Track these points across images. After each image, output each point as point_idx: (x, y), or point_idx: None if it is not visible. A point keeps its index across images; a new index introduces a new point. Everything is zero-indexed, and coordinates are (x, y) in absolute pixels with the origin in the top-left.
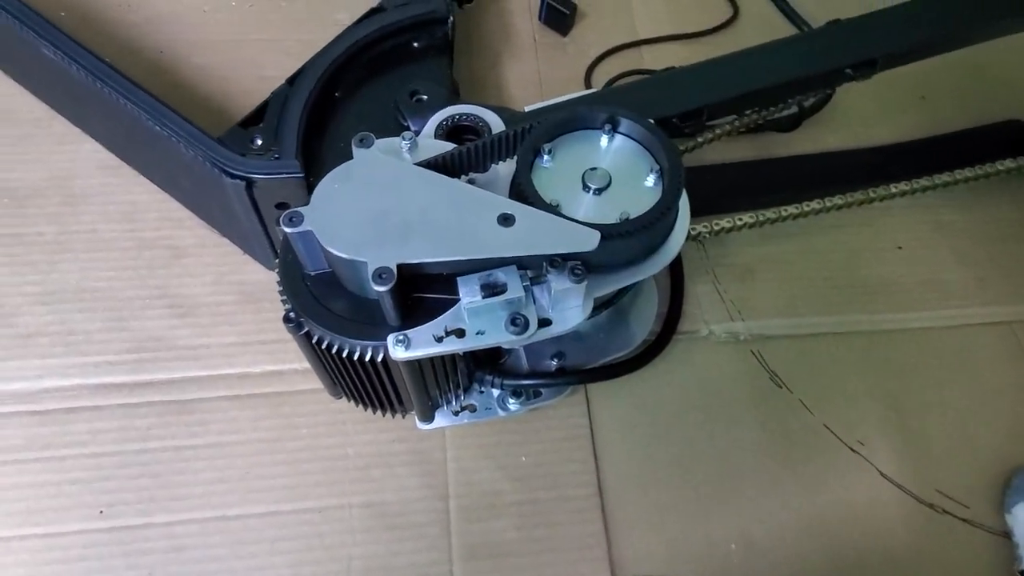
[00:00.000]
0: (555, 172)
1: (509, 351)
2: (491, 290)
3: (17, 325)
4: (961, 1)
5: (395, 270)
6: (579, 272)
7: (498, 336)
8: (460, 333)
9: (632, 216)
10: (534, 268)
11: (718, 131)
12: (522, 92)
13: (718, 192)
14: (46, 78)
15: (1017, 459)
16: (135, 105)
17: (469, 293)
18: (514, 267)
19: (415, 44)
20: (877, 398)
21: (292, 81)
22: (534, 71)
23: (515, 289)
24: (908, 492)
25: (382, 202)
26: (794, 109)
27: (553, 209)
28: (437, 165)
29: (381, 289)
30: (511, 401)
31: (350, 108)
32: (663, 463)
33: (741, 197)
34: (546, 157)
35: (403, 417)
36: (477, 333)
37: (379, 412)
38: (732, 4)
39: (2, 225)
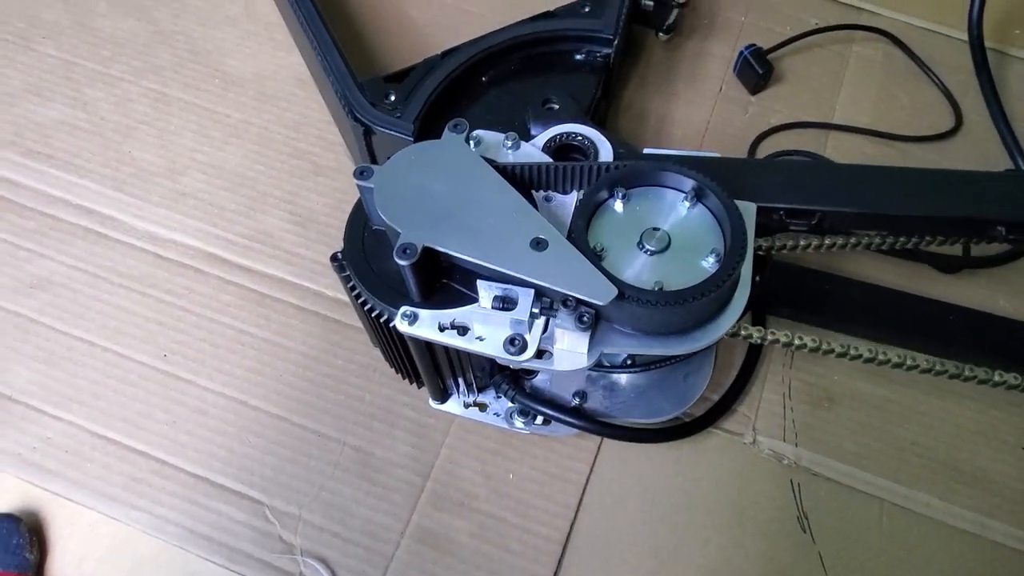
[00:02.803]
0: (621, 217)
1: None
2: (503, 303)
3: (179, 182)
4: None
5: (419, 249)
6: (586, 320)
7: (495, 349)
8: (463, 331)
9: (666, 288)
10: (550, 299)
11: (827, 241)
12: (682, 133)
13: (835, 308)
14: None
15: None
16: (312, 35)
17: (483, 299)
18: (532, 291)
19: (576, 56)
20: None
21: (445, 55)
22: (704, 119)
23: (522, 312)
24: None
25: (440, 185)
26: (957, 250)
27: (590, 252)
28: (514, 174)
29: (401, 263)
30: (518, 419)
31: (489, 94)
32: (641, 547)
33: (860, 323)
34: (619, 200)
35: (418, 388)
36: (477, 338)
37: (399, 375)
38: (956, 114)
39: (205, 100)
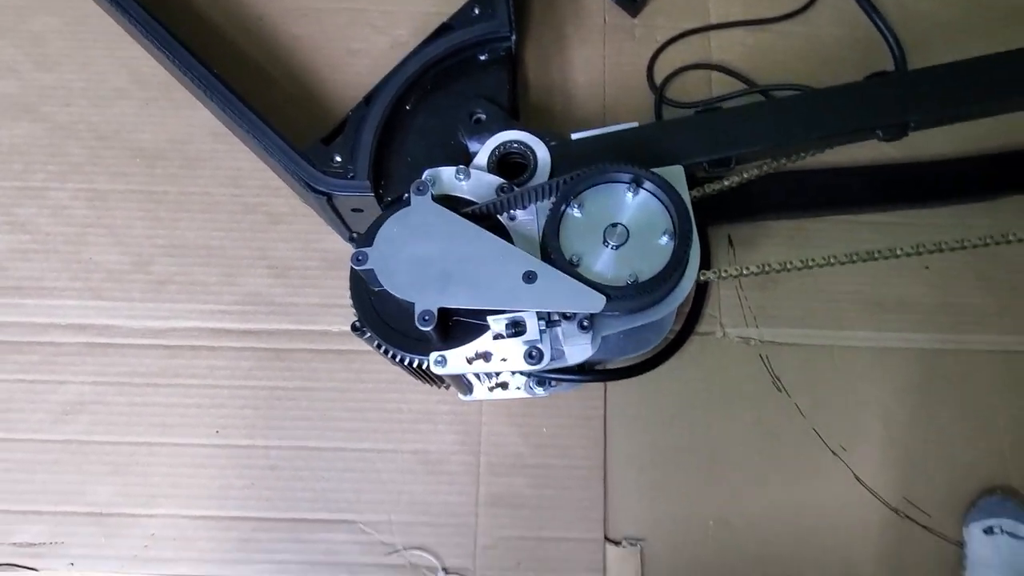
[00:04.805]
0: (582, 222)
1: None
2: (514, 328)
3: (152, 272)
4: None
5: (436, 313)
6: (586, 325)
7: (518, 364)
8: (487, 357)
9: (640, 276)
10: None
11: (745, 176)
12: (586, 77)
13: (759, 206)
14: (162, 59)
15: (990, 481)
16: (237, 117)
17: (496, 328)
18: (535, 312)
19: (480, 57)
20: (869, 410)
21: (368, 100)
22: (600, 55)
23: (532, 332)
24: (877, 496)
25: (429, 249)
26: None
27: (571, 267)
28: (481, 213)
29: (424, 328)
30: (537, 388)
31: (416, 121)
32: (662, 448)
33: (783, 209)
34: (576, 208)
35: (447, 390)
36: (501, 359)
37: (427, 385)
38: None
39: (137, 183)
